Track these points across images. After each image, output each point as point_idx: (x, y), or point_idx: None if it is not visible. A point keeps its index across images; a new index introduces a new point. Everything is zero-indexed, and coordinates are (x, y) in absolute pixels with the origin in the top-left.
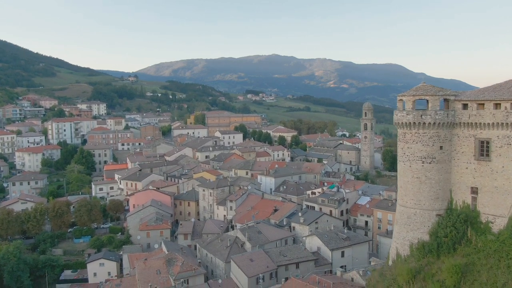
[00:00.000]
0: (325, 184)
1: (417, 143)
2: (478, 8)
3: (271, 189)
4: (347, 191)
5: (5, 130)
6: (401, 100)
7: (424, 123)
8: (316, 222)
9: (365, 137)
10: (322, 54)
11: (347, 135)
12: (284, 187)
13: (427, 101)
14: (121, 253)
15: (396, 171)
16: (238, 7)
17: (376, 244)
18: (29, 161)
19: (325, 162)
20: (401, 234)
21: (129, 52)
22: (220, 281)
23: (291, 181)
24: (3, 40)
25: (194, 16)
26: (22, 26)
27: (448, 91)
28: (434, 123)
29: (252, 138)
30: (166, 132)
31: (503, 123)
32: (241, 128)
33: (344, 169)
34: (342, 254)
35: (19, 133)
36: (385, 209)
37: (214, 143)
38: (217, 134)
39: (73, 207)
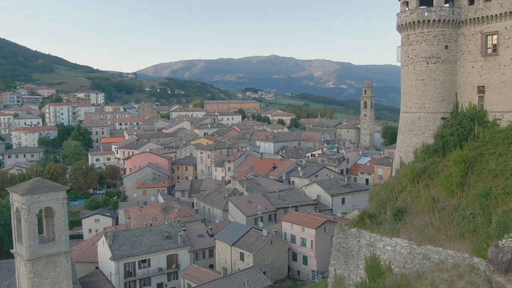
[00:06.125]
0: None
1: (421, 43)
2: None
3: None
4: (347, 151)
5: (1, 112)
6: (404, 2)
7: (429, 20)
8: (316, 176)
9: (365, 115)
10: (321, 55)
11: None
12: (283, 151)
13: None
14: (117, 211)
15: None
16: (237, 8)
17: None
18: (26, 140)
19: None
20: (405, 142)
21: (127, 53)
22: (217, 221)
23: (290, 146)
24: (1, 37)
25: (193, 16)
26: (21, 26)
27: None
28: (439, 20)
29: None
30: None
31: (511, 12)
32: (240, 112)
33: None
34: (343, 201)
35: (16, 115)
36: (386, 165)
37: (213, 120)
38: (216, 114)
39: (69, 175)
